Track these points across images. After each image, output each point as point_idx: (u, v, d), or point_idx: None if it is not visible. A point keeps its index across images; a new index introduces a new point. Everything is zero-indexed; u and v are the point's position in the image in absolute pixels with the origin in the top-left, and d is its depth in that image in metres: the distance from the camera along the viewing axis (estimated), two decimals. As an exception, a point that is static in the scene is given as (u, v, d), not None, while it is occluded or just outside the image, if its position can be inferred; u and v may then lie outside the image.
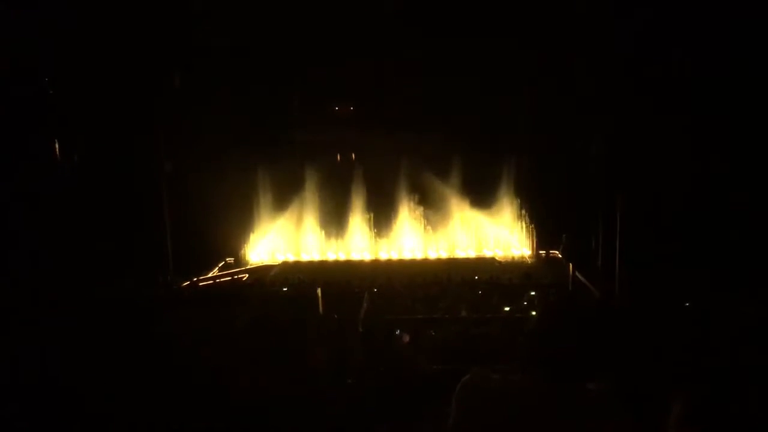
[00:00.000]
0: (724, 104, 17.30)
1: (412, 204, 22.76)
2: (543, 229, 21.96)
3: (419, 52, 19.56)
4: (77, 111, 18.27)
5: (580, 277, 16.82)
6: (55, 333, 11.04)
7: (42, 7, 16.27)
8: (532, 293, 14.86)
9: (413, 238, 22.77)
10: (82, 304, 12.93)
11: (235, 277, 20.14)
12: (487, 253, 22.46)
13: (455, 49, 19.22)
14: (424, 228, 22.77)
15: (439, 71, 20.13)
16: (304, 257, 22.72)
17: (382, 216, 22.76)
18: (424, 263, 21.82)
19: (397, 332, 11.55)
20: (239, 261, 22.03)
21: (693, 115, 17.32)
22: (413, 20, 18.97)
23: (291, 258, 22.65)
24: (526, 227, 22.42)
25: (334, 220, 22.81)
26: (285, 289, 16.79)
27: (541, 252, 21.99)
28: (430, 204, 22.75)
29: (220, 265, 21.58)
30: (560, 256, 20.90)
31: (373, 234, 22.66)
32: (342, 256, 22.63)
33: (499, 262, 21.43)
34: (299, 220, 22.91)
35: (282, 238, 22.96)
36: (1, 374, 8.79)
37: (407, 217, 22.82)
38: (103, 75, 17.94)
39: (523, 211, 22.48)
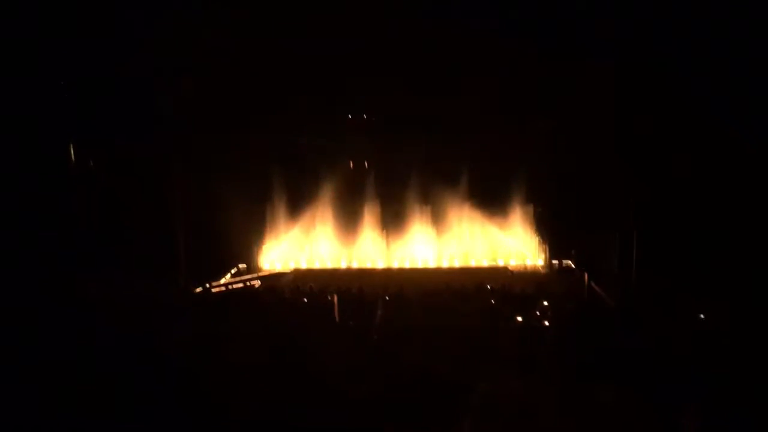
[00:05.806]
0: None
1: (425, 212, 22.66)
2: (556, 239, 21.77)
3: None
4: (97, 117, 18.49)
5: (594, 287, 16.69)
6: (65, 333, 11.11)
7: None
8: (545, 303, 14.77)
9: (426, 246, 22.67)
10: (94, 306, 13.03)
11: (248, 283, 20.13)
12: (500, 263, 22.31)
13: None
14: (437, 236, 22.65)
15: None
16: (317, 265, 22.70)
17: (394, 224, 22.68)
18: (437, 272, 21.72)
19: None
20: (252, 267, 22.04)
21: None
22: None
23: (303, 265, 22.64)
24: (539, 237, 22.22)
25: (347, 227, 22.75)
26: (299, 298, 16.78)
27: (554, 261, 21.80)
28: (443, 213, 22.64)
29: (232, 271, 21.62)
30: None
31: (386, 242, 22.57)
32: (354, 265, 22.58)
33: (512, 272, 21.29)
34: (312, 227, 22.88)
35: (295, 245, 22.94)
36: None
37: (420, 226, 22.72)
38: (114, 79, 18.16)
39: (537, 221, 22.30)
